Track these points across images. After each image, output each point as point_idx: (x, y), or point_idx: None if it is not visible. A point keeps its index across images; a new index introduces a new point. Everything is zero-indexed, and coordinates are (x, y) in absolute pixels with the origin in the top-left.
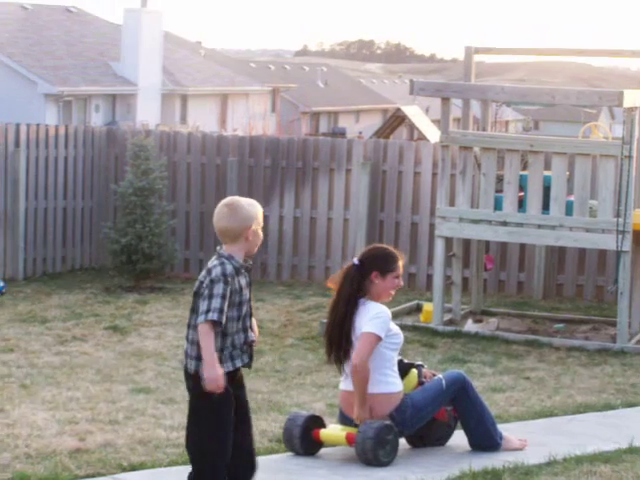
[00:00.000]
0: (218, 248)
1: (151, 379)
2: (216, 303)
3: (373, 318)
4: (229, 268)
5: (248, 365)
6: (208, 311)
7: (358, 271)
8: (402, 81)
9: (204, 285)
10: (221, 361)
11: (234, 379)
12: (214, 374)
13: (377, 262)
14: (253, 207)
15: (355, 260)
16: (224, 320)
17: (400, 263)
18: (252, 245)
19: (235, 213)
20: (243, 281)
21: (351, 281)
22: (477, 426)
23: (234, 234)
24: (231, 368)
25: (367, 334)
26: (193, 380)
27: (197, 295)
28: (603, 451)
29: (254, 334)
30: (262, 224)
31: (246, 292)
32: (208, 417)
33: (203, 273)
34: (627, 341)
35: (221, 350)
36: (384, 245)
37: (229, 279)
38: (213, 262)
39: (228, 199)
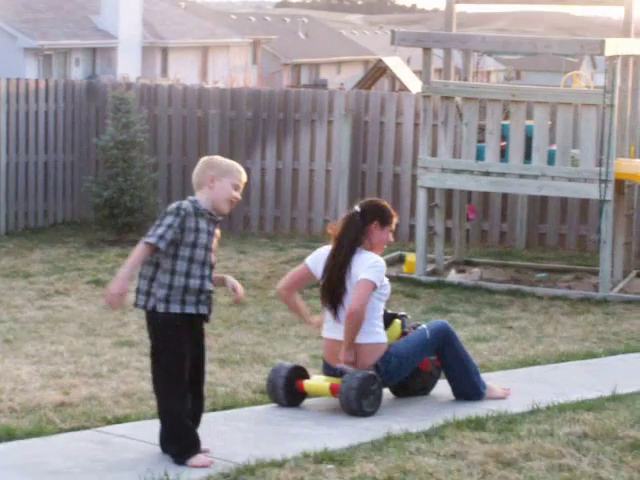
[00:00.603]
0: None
1: (134, 332)
2: (159, 229)
3: (371, 266)
4: (185, 203)
5: (205, 317)
6: (151, 235)
7: (360, 219)
8: (383, 32)
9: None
10: (168, 300)
11: (192, 325)
12: (120, 291)
13: (378, 212)
14: (228, 164)
15: (357, 208)
16: (163, 246)
17: (395, 219)
18: (217, 196)
19: (206, 165)
20: (203, 224)
21: (354, 228)
22: (461, 376)
23: (199, 182)
24: (178, 311)
25: (366, 281)
26: (146, 317)
27: None
28: (586, 399)
29: (237, 290)
30: (237, 184)
31: (204, 237)
32: (164, 356)
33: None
34: (609, 290)
35: (169, 287)
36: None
37: (181, 212)
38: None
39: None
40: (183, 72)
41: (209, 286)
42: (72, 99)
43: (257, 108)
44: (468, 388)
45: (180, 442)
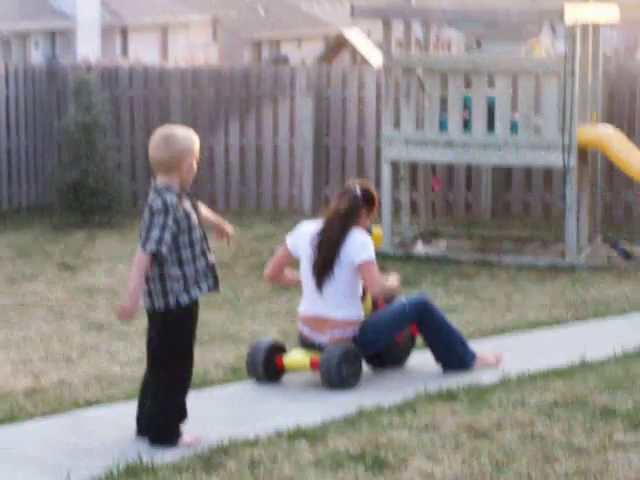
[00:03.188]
0: (153, 181)
1: (103, 315)
2: (154, 233)
3: (365, 246)
4: (169, 198)
5: (215, 289)
6: (146, 241)
7: (362, 201)
8: (343, 6)
9: (145, 218)
10: (187, 290)
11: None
12: (134, 308)
13: (371, 200)
14: (189, 139)
15: (358, 190)
16: (164, 250)
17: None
18: (187, 178)
19: (171, 144)
20: (187, 205)
21: (355, 208)
22: (445, 348)
23: (169, 165)
24: (199, 294)
25: (369, 263)
26: (163, 317)
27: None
28: (556, 367)
29: (229, 233)
30: (198, 155)
31: (194, 217)
32: (179, 348)
33: (146, 209)
34: (576, 257)
35: (184, 278)
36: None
37: (170, 208)
38: (151, 196)
39: (164, 129)
40: (143, 52)
41: (212, 258)
42: (32, 83)
43: (219, 86)
44: (454, 360)
45: (175, 430)
